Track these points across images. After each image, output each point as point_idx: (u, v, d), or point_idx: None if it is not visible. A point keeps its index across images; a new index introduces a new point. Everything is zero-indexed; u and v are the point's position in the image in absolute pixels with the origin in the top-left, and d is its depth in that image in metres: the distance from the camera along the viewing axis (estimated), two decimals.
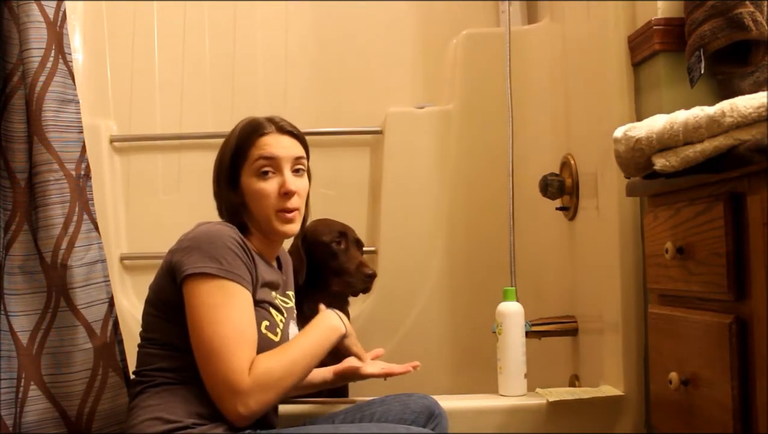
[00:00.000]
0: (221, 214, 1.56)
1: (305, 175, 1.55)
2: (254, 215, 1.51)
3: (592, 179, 2.02)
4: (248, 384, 1.32)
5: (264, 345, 1.41)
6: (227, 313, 1.35)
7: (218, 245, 1.38)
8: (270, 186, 1.49)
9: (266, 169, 1.49)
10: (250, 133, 1.52)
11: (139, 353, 1.48)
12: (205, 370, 1.35)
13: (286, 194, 1.49)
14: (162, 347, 1.44)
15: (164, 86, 2.80)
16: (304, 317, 1.74)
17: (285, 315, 1.51)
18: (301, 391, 1.70)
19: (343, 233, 2.03)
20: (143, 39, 2.81)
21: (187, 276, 1.36)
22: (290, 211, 1.50)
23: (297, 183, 1.51)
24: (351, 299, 2.11)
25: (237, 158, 1.51)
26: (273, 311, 1.48)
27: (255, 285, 1.43)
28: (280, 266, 1.63)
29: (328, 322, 1.50)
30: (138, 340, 1.50)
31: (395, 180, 2.70)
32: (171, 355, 1.42)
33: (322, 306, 1.61)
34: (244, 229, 1.51)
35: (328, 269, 1.98)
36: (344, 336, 1.52)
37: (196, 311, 1.36)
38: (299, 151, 1.54)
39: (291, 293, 1.64)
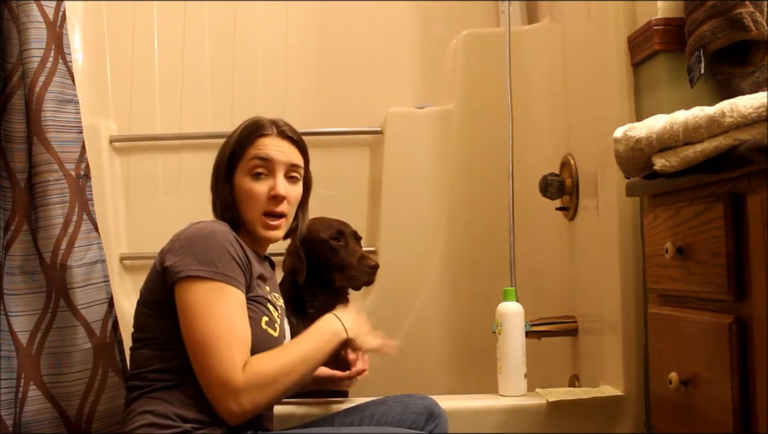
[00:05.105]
0: (214, 208, 1.56)
1: (299, 183, 1.54)
2: (241, 214, 1.51)
3: (592, 179, 2.02)
4: (242, 382, 1.30)
5: (264, 340, 1.41)
6: (221, 311, 1.34)
7: (213, 247, 1.37)
8: (260, 187, 1.49)
9: (259, 170, 1.49)
10: (250, 132, 1.52)
11: (132, 355, 1.46)
12: (199, 367, 1.34)
13: (274, 197, 1.48)
14: (157, 346, 1.41)
15: (164, 86, 2.79)
16: (309, 316, 1.74)
17: (279, 311, 1.51)
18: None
19: (341, 228, 2.02)
20: (143, 39, 2.81)
21: (181, 279, 1.35)
22: (276, 216, 1.49)
23: (288, 189, 1.50)
24: (351, 298, 2.11)
25: (234, 156, 1.52)
26: (270, 307, 1.47)
27: (250, 282, 1.42)
28: (271, 265, 1.63)
29: (330, 326, 1.45)
30: None
31: (395, 180, 2.69)
32: (167, 355, 1.39)
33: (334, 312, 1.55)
34: (235, 226, 1.50)
35: (329, 266, 1.98)
36: (346, 341, 1.46)
37: (189, 310, 1.34)
38: (296, 158, 1.53)
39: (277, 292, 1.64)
